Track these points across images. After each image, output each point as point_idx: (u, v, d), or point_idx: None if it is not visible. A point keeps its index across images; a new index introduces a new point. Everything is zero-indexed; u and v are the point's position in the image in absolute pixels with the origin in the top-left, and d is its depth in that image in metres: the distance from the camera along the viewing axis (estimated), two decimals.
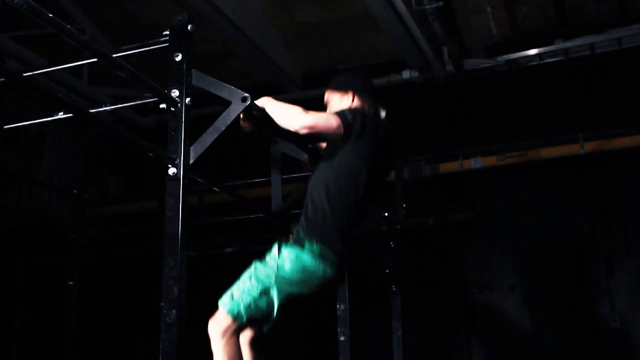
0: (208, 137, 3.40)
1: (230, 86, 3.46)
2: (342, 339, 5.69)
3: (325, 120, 3.75)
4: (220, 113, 3.46)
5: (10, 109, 7.84)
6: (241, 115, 3.69)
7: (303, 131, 3.68)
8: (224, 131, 3.42)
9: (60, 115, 3.67)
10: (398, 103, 8.49)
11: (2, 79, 2.80)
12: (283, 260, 3.66)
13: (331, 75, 8.75)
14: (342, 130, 3.73)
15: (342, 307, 5.71)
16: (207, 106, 4.51)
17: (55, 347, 7.60)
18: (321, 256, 3.64)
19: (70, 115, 3.61)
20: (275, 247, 3.75)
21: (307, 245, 3.65)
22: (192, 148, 3.34)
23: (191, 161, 3.33)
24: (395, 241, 6.73)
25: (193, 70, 3.40)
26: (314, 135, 3.85)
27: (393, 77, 8.54)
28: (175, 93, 3.33)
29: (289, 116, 3.71)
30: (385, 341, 6.90)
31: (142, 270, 8.56)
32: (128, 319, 8.91)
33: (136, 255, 8.60)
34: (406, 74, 8.47)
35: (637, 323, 7.35)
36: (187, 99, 3.33)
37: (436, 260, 8.15)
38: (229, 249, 7.48)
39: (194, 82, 3.40)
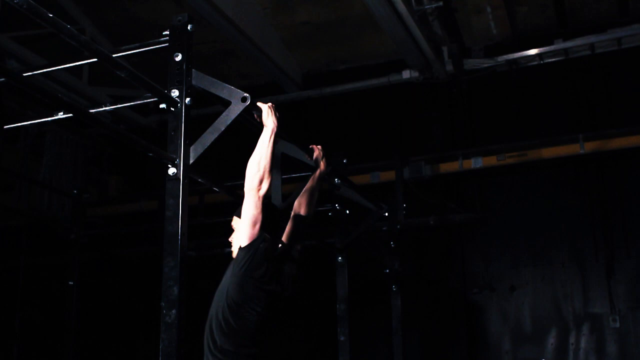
0: (208, 137, 3.39)
1: (230, 86, 3.46)
2: (342, 338, 5.70)
3: (250, 218, 3.71)
4: (220, 113, 3.45)
5: (10, 109, 7.85)
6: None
7: (250, 184, 3.75)
8: (223, 131, 3.42)
9: (60, 115, 3.66)
10: (398, 103, 8.52)
11: (2, 79, 2.80)
12: None
13: (331, 75, 8.82)
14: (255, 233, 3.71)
15: (342, 306, 5.71)
16: (207, 106, 4.51)
17: (55, 347, 7.60)
18: None
19: (70, 115, 3.60)
20: None
21: None
22: (192, 148, 3.34)
23: (191, 161, 3.33)
24: (395, 241, 6.73)
25: (193, 70, 3.40)
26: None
27: (393, 77, 8.54)
28: (175, 93, 3.32)
29: (255, 171, 3.75)
30: (385, 341, 6.91)
31: (142, 270, 8.56)
32: (128, 318, 8.91)
33: (136, 255, 8.60)
34: (406, 74, 8.47)
35: (637, 323, 7.35)
36: (187, 99, 3.32)
37: (436, 260, 8.15)
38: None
39: (193, 82, 3.40)
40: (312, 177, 4.46)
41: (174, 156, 3.27)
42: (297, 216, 4.27)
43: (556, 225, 7.78)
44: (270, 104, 3.76)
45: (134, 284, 8.83)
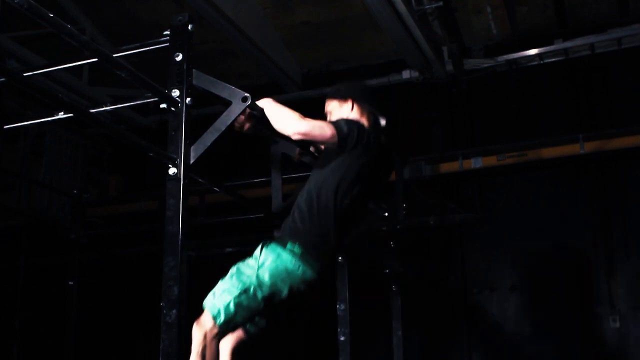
0: (208, 137, 3.39)
1: (230, 86, 3.46)
2: (342, 338, 5.69)
3: (320, 128, 3.80)
4: (220, 113, 3.46)
5: (10, 109, 7.85)
6: (241, 117, 3.73)
7: (296, 137, 3.76)
8: (224, 131, 3.42)
9: (61, 115, 3.66)
10: (398, 103, 8.52)
11: (2, 79, 2.80)
12: (264, 259, 3.73)
13: (331, 75, 8.82)
14: (335, 139, 3.81)
15: (342, 307, 5.71)
16: (208, 106, 4.51)
17: (55, 347, 7.61)
18: (301, 257, 3.71)
19: (71, 115, 3.61)
20: (258, 248, 3.81)
21: (289, 245, 3.73)
22: (192, 148, 3.34)
23: (191, 161, 3.33)
24: (395, 241, 6.72)
25: (193, 70, 3.41)
26: (307, 141, 3.95)
27: (393, 77, 8.54)
28: (175, 93, 3.32)
29: (285, 121, 3.76)
30: (385, 341, 6.89)
31: (142, 270, 8.56)
32: (128, 318, 8.91)
33: (136, 255, 8.60)
34: (406, 74, 8.47)
35: (637, 323, 7.35)
36: (188, 99, 3.33)
37: (436, 260, 8.15)
38: (229, 249, 7.48)
39: (194, 82, 3.40)
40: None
41: (175, 156, 3.27)
42: None
43: (556, 225, 7.77)
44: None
45: (134, 284, 8.84)
